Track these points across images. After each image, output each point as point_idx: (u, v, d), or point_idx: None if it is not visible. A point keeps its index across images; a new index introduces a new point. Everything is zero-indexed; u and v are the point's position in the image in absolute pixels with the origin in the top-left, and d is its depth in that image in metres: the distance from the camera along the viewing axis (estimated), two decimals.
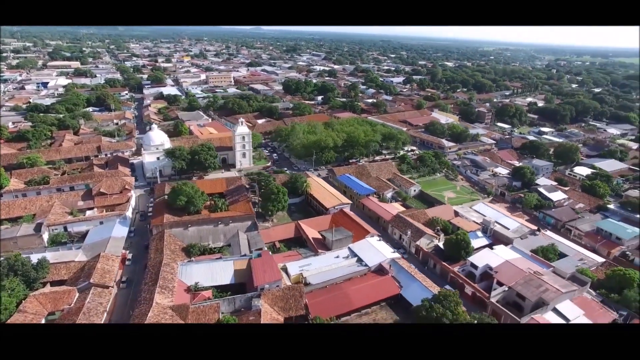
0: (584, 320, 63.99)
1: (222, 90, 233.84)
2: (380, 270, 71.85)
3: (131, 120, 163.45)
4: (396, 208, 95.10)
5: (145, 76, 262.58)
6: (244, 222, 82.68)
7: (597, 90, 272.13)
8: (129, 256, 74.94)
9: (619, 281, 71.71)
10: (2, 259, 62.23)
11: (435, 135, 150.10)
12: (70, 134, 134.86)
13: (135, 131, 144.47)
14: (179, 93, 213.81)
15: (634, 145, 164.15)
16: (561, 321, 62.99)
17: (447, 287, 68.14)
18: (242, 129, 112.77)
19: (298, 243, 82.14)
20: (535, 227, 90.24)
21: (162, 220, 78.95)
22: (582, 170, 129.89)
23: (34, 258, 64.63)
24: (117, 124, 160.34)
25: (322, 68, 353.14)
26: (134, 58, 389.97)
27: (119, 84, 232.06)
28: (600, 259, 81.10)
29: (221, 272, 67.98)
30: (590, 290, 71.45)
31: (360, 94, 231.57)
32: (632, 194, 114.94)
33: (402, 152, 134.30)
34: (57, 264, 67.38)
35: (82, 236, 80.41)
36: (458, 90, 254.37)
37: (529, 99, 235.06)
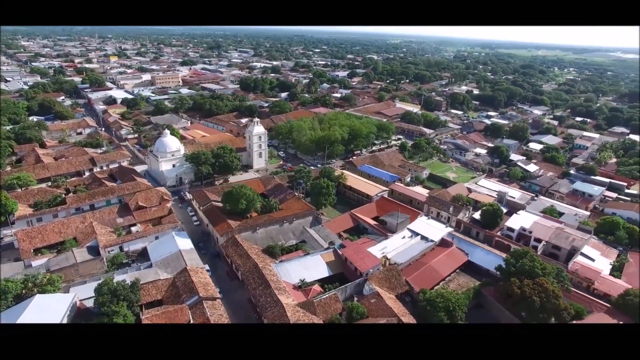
0: (603, 259, 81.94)
1: (175, 92, 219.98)
2: (443, 243, 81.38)
3: (97, 128, 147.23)
4: (422, 190, 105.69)
5: (76, 79, 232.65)
6: (306, 219, 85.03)
7: (510, 77, 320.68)
8: (207, 267, 72.34)
9: (609, 226, 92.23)
10: (96, 285, 56.49)
11: (413, 124, 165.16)
12: (37, 148, 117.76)
13: (114, 139, 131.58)
14: (130, 96, 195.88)
15: (556, 122, 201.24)
16: (590, 262, 79.89)
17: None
18: (259, 128, 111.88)
19: (356, 231, 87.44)
20: (533, 194, 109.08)
21: (229, 227, 77.41)
22: (535, 146, 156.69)
23: (128, 280, 59.73)
24: (80, 133, 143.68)
25: (262, 65, 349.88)
26: (41, 58, 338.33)
27: (50, 88, 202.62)
28: (587, 212, 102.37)
29: (315, 266, 70.55)
30: (593, 236, 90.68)
31: (319, 90, 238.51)
32: (576, 161, 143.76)
33: (392, 141, 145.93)
34: (144, 284, 62.88)
35: (139, 254, 74.91)
36: (403, 82, 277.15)
37: (464, 87, 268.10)
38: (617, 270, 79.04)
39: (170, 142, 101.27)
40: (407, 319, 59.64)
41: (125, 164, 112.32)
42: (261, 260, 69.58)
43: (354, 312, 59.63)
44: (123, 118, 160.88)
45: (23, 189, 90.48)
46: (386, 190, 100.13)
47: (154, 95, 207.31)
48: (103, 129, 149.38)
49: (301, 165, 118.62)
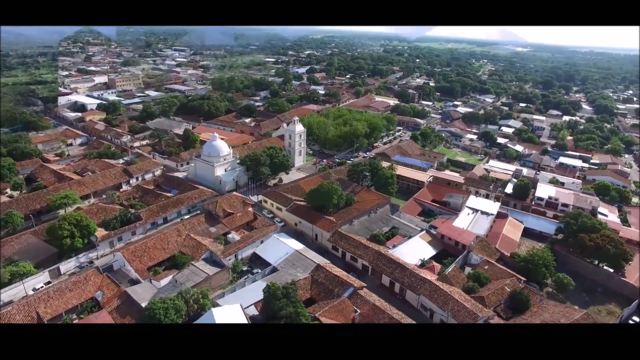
0: (612, 215, 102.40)
1: (143, 94, 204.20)
2: (499, 215, 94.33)
3: (90, 137, 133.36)
4: (452, 173, 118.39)
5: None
6: (385, 207, 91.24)
7: (447, 69, 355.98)
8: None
9: (602, 189, 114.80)
10: (261, 289, 56.80)
11: (404, 116, 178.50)
12: (41, 164, 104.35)
13: (127, 148, 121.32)
14: (98, 101, 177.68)
15: (506, 108, 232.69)
16: (605, 218, 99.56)
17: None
18: (300, 127, 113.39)
19: (422, 214, 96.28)
20: (535, 170, 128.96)
21: (332, 222, 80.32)
22: (505, 130, 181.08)
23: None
24: (70, 144, 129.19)
25: (217, 64, 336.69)
26: None
27: None
28: (579, 181, 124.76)
29: (422, 246, 77.84)
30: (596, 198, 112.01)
31: (292, 87, 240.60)
32: (543, 140, 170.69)
33: (396, 133, 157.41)
34: None
35: (250, 259, 74.49)
36: (363, 77, 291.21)
37: (418, 80, 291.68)
38: (624, 221, 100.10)
39: (222, 146, 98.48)
40: (522, 276, 70.41)
41: (158, 172, 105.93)
42: (378, 248, 74.57)
43: (481, 277, 68.73)
44: (109, 125, 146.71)
45: (73, 208, 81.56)
46: (432, 176, 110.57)
47: (122, 99, 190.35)
48: (91, 137, 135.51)
49: (336, 159, 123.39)
